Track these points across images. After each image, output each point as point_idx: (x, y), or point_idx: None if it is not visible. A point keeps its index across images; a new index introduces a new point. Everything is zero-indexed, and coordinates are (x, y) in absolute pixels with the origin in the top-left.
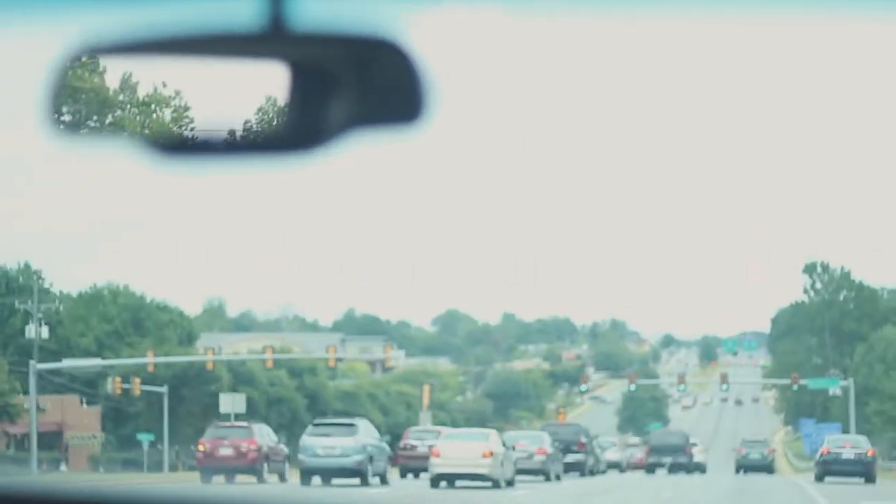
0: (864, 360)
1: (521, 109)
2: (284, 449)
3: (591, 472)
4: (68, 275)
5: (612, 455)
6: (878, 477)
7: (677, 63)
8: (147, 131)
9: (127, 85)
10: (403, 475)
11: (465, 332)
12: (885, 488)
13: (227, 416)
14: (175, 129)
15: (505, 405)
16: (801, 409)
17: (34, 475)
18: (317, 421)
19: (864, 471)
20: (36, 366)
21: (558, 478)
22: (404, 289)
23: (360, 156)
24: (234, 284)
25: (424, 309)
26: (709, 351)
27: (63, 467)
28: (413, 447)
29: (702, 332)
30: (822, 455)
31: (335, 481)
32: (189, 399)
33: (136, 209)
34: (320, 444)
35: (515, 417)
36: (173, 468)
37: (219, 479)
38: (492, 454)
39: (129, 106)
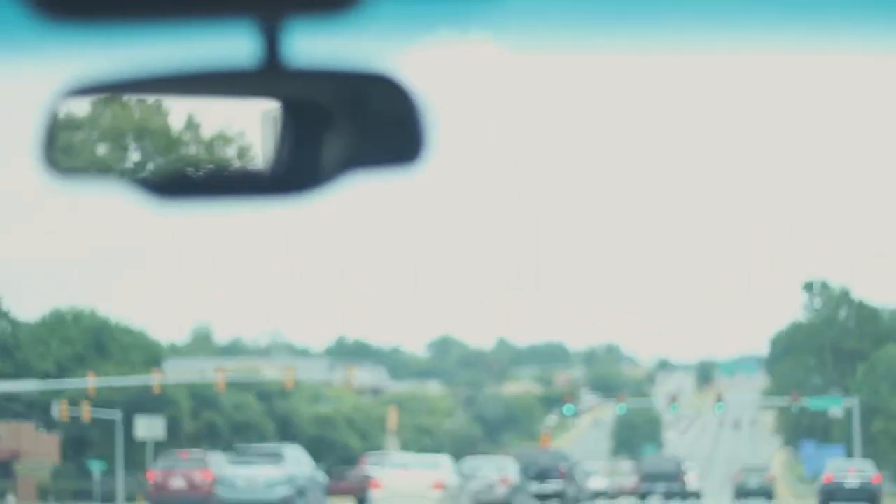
0: (867, 379)
1: (514, 137)
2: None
3: (576, 501)
4: (50, 302)
5: (596, 483)
6: None
7: (668, 83)
8: (143, 173)
9: (192, 124)
10: None
11: (458, 357)
12: None
13: (196, 444)
14: (169, 169)
15: (495, 430)
16: (801, 430)
17: None
18: (238, 447)
19: (869, 498)
20: None
21: None
22: (397, 315)
23: (356, 189)
24: (222, 312)
25: (418, 335)
26: (706, 374)
27: (11, 499)
28: (367, 477)
29: (699, 356)
30: (824, 483)
31: None
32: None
33: (125, 237)
34: (241, 475)
35: (506, 442)
36: (130, 498)
37: None
38: (443, 486)
39: (193, 144)
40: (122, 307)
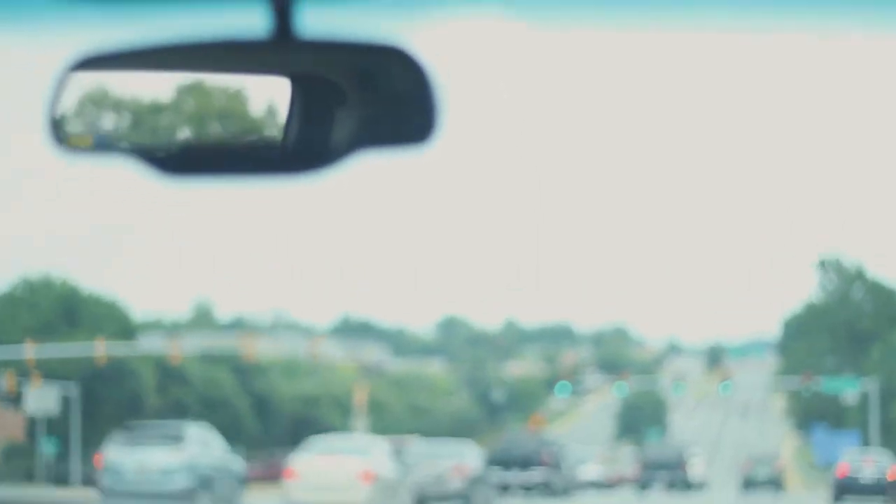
0: (883, 362)
1: (521, 113)
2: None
3: (563, 492)
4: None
5: (590, 471)
6: None
7: (681, 63)
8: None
9: (271, 111)
10: None
11: (464, 337)
12: None
13: (159, 417)
14: (177, 144)
15: (497, 410)
16: (813, 414)
17: None
18: (127, 425)
19: (887, 493)
20: None
21: None
22: (404, 294)
23: (366, 166)
24: (225, 289)
25: (424, 314)
26: (715, 357)
27: None
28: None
29: (708, 339)
30: (839, 478)
31: None
32: (107, 400)
33: (124, 213)
34: (130, 460)
35: (508, 424)
36: (88, 481)
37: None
38: (374, 476)
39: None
40: (118, 283)
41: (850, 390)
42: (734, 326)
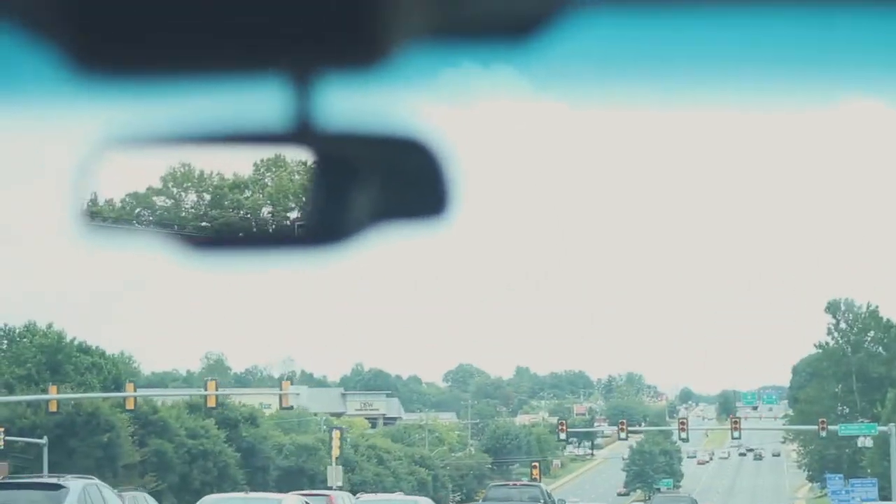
0: None
1: (536, 169)
2: None
3: None
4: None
5: None
6: None
7: (684, 128)
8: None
9: None
10: None
11: (477, 387)
12: None
13: (140, 476)
14: (202, 223)
15: (505, 461)
16: (827, 462)
17: None
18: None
19: None
20: None
21: None
22: (416, 346)
23: (383, 242)
24: (237, 342)
25: (437, 365)
26: (728, 405)
27: None
28: None
29: (721, 387)
30: None
31: None
32: (78, 452)
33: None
34: None
35: (517, 474)
36: None
37: None
38: None
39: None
40: (129, 340)
41: (867, 434)
42: (746, 374)
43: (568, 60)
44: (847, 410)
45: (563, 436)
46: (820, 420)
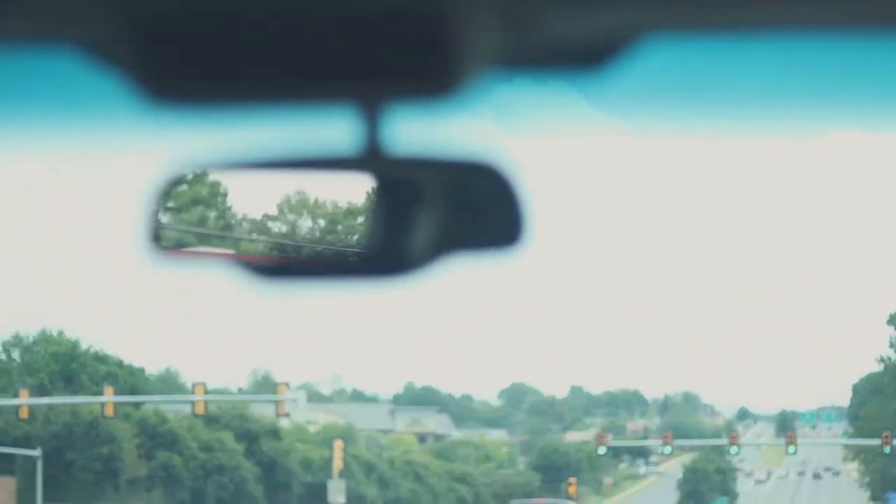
0: None
1: (607, 197)
2: None
3: None
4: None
5: None
6: None
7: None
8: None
9: None
10: None
11: (530, 405)
12: None
13: (148, 490)
14: (272, 251)
15: (555, 479)
16: (889, 481)
17: None
18: None
19: None
20: None
21: None
22: (470, 364)
23: (453, 273)
24: (289, 360)
25: (491, 384)
26: (786, 424)
27: None
28: None
29: (779, 406)
30: None
31: None
32: (76, 464)
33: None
34: None
35: (566, 493)
36: None
37: None
38: None
39: None
40: (180, 359)
41: None
42: (806, 394)
43: (638, 89)
44: None
45: (602, 450)
46: (884, 434)
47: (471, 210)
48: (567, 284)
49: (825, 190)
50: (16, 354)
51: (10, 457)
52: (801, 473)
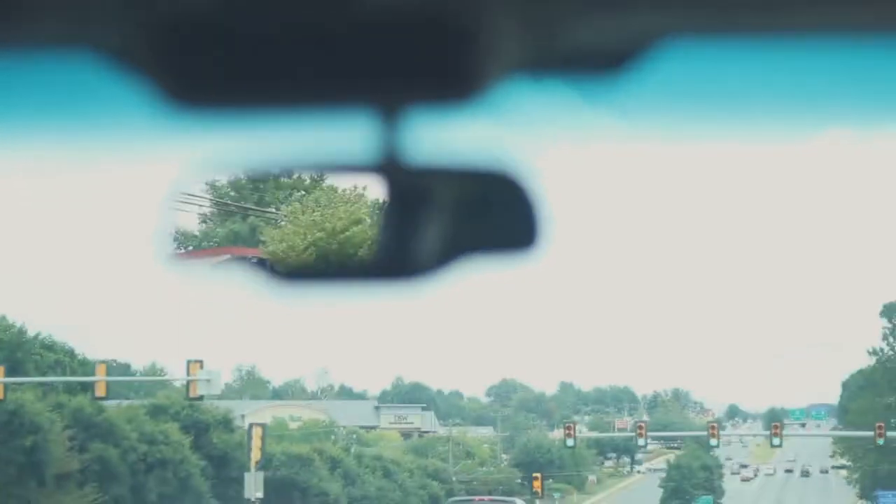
0: None
1: (594, 193)
2: None
3: None
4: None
5: None
6: None
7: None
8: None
9: None
10: None
11: (519, 402)
12: None
13: (79, 486)
14: (291, 256)
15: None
16: (879, 478)
17: None
18: None
19: None
20: None
21: None
22: (460, 360)
23: (468, 277)
24: (276, 358)
25: (481, 380)
26: (775, 421)
27: None
28: None
29: (769, 404)
30: None
31: None
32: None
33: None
34: None
35: (549, 489)
36: None
37: None
38: None
39: None
40: (162, 353)
41: None
42: (795, 392)
43: (661, 94)
44: None
45: (570, 441)
46: (877, 425)
47: (487, 217)
48: (559, 282)
49: (817, 189)
50: None
51: None
52: (790, 471)
